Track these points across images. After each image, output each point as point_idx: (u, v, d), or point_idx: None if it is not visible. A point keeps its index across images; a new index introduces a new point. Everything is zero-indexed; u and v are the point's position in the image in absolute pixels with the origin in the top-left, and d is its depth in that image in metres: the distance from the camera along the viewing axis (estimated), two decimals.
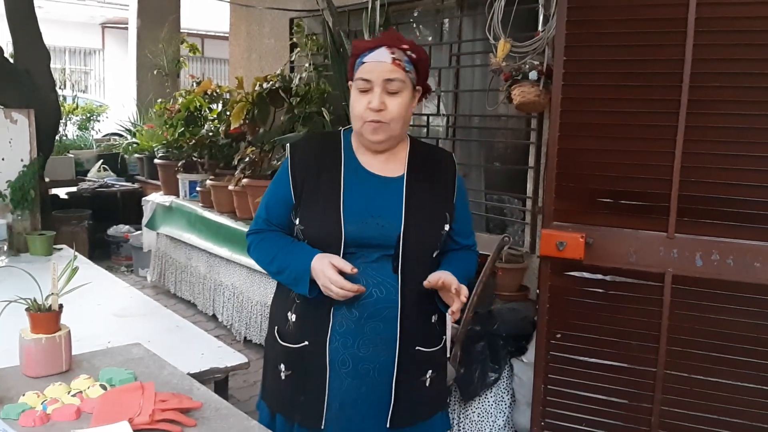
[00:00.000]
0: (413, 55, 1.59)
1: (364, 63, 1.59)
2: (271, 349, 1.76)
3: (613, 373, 2.38)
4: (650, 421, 2.33)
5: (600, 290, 2.37)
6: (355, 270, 1.54)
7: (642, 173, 2.27)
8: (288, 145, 1.79)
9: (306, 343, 1.65)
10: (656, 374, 2.31)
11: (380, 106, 1.57)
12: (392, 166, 1.67)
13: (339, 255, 1.58)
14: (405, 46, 1.58)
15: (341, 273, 1.54)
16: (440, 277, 1.56)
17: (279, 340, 1.71)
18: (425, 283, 1.58)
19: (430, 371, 1.70)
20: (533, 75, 2.91)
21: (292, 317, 1.68)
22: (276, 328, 1.74)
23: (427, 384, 1.70)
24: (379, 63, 1.57)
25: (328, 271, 1.53)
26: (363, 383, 1.62)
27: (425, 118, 4.06)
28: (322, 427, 1.63)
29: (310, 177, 1.64)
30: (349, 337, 1.61)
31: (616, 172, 2.31)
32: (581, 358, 2.41)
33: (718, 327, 2.21)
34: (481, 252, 2.85)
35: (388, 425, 1.63)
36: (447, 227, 1.66)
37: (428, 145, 1.85)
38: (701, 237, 2.21)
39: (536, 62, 2.94)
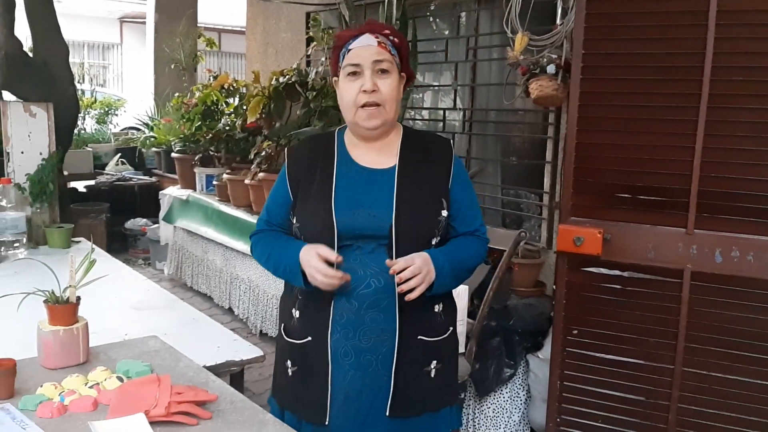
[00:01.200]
0: (395, 40, 1.63)
1: (350, 50, 1.62)
2: (279, 346, 1.79)
3: (630, 370, 2.36)
4: (667, 419, 2.31)
5: (617, 286, 2.34)
6: (340, 258, 1.55)
7: (661, 168, 2.24)
8: (286, 149, 1.80)
9: (309, 338, 1.67)
10: (674, 371, 2.28)
11: (373, 86, 1.59)
12: (384, 157, 1.68)
13: (334, 247, 1.59)
14: (387, 31, 1.63)
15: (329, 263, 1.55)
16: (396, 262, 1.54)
17: (285, 337, 1.74)
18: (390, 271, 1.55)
19: (434, 362, 1.68)
20: (551, 69, 2.89)
21: (296, 314, 1.70)
22: (283, 325, 1.76)
23: (432, 375, 1.68)
24: (366, 47, 1.61)
25: (313, 261, 1.56)
26: (366, 374, 1.62)
27: (441, 112, 4.04)
28: (327, 422, 1.64)
29: (306, 177, 1.69)
30: (350, 328, 1.61)
31: (635, 167, 2.28)
32: (598, 354, 2.40)
33: (738, 324, 2.18)
34: (497, 247, 2.85)
35: (387, 413, 1.62)
36: (444, 213, 1.65)
37: (422, 132, 1.85)
38: (721, 233, 2.18)
39: (554, 56, 2.92)
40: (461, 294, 2.65)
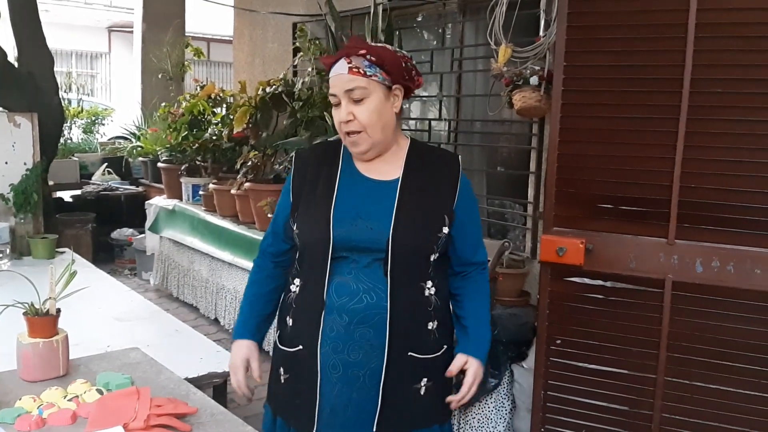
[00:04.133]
0: (373, 58, 1.59)
1: (330, 78, 1.63)
2: (274, 353, 1.79)
3: (613, 380, 2.37)
4: (650, 428, 2.31)
5: (600, 296, 2.36)
6: (259, 381, 1.74)
7: (642, 179, 2.26)
8: (293, 154, 1.81)
9: (300, 347, 1.67)
10: (656, 381, 2.30)
11: (347, 117, 1.59)
12: (388, 168, 1.67)
13: (328, 259, 1.59)
14: (362, 52, 1.59)
15: None
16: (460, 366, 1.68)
17: (279, 344, 1.74)
18: (448, 373, 1.68)
19: (425, 379, 1.67)
20: (534, 80, 2.91)
21: (290, 321, 1.70)
22: (278, 332, 1.77)
23: (422, 392, 1.67)
24: (338, 76, 1.60)
25: (238, 372, 1.75)
26: (353, 389, 1.62)
27: (427, 122, 4.06)
28: (315, 430, 1.63)
29: (309, 184, 1.68)
30: (339, 341, 1.60)
31: (617, 177, 2.30)
32: (581, 364, 2.40)
33: (719, 334, 2.20)
34: None
35: (374, 429, 1.62)
36: (445, 230, 1.63)
37: (431, 147, 1.83)
38: (702, 243, 2.20)
39: (537, 67, 2.94)
40: None
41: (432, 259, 1.63)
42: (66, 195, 6.45)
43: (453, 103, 3.97)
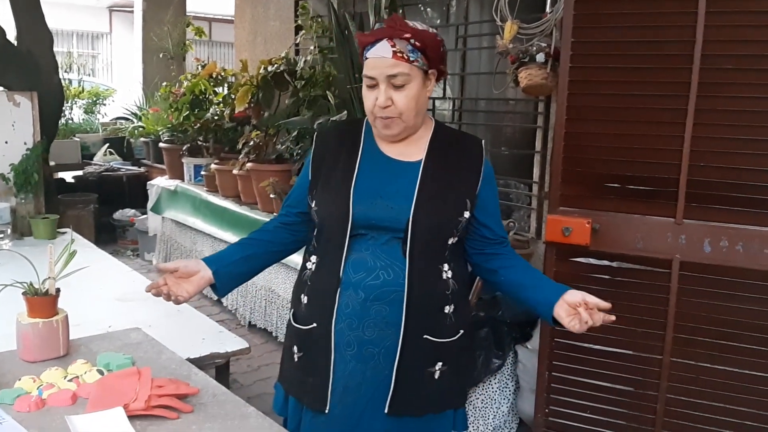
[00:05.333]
0: (417, 43, 1.53)
1: (367, 59, 1.57)
2: (288, 332, 1.76)
3: (618, 361, 2.35)
4: (656, 409, 2.30)
5: (606, 276, 2.33)
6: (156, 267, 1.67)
7: (650, 158, 2.22)
8: (315, 132, 1.77)
9: (314, 324, 1.64)
10: (662, 362, 2.28)
11: (386, 102, 1.55)
12: (412, 150, 1.64)
13: (346, 235, 1.58)
14: (407, 35, 1.52)
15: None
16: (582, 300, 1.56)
17: (293, 322, 1.71)
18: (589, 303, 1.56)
19: (440, 363, 1.64)
20: (540, 57, 2.86)
21: (304, 299, 1.68)
22: (292, 310, 1.74)
23: (436, 376, 1.64)
24: (380, 59, 1.54)
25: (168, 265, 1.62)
26: (367, 367, 1.60)
27: (431, 102, 4.01)
28: (327, 410, 1.62)
29: (329, 161, 1.66)
30: (354, 318, 1.58)
31: (624, 156, 2.26)
32: (586, 345, 2.39)
33: (726, 314, 2.18)
34: None
35: (386, 410, 1.60)
36: (466, 215, 1.61)
37: (455, 130, 1.80)
38: (710, 223, 2.17)
39: (543, 44, 2.89)
40: None
41: (450, 242, 1.61)
42: (68, 176, 6.42)
43: (457, 81, 3.92)
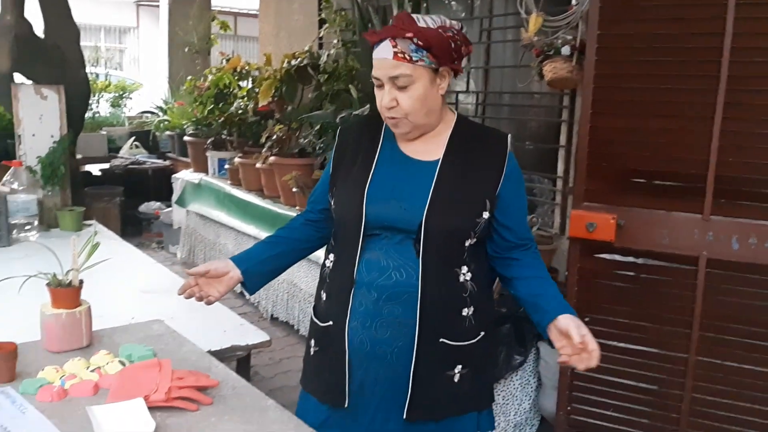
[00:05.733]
0: (420, 42, 1.48)
1: (374, 58, 1.54)
2: (309, 327, 1.77)
3: (642, 359, 2.32)
4: (680, 408, 2.27)
5: (631, 273, 2.30)
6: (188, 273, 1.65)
7: (677, 153, 2.19)
8: (339, 128, 1.76)
9: (331, 322, 1.64)
10: (688, 360, 2.24)
11: (390, 103, 1.52)
12: (431, 148, 1.60)
13: (360, 235, 1.56)
14: (409, 35, 1.48)
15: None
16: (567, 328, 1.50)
17: (313, 317, 1.72)
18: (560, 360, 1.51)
19: (459, 366, 1.60)
20: (566, 50, 2.82)
21: (323, 296, 1.68)
22: (314, 305, 1.75)
23: (456, 379, 1.61)
24: (383, 60, 1.51)
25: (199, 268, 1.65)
26: (381, 366, 1.59)
27: (455, 95, 3.99)
28: (346, 405, 1.61)
29: (349, 159, 1.65)
30: (367, 317, 1.57)
31: (651, 151, 2.23)
32: (610, 342, 2.35)
33: (754, 313, 2.13)
34: None
35: (405, 416, 1.58)
36: (485, 215, 1.55)
37: (478, 125, 1.75)
38: (738, 219, 2.13)
39: (569, 37, 2.85)
40: None
41: (468, 244, 1.56)
42: (94, 169, 6.50)
43: (481, 75, 3.89)
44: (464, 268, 1.57)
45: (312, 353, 1.71)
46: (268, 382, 3.27)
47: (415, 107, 1.52)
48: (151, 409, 1.33)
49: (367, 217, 1.55)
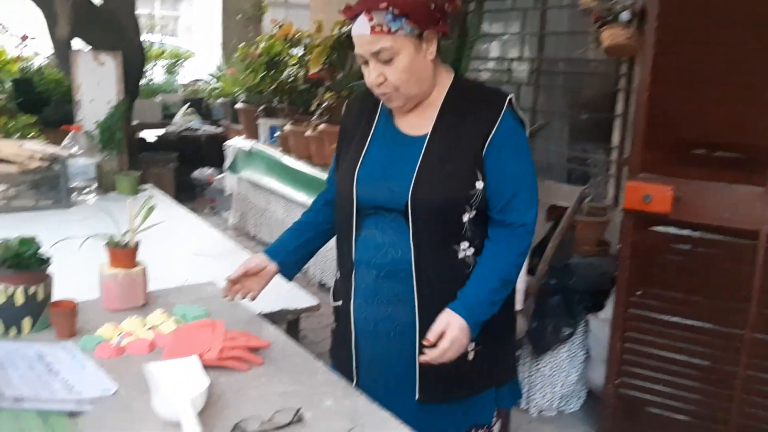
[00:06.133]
0: (396, 11, 1.39)
1: (353, 35, 1.47)
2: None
3: (696, 334, 2.27)
4: (733, 385, 2.22)
5: (687, 247, 2.24)
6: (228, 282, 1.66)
7: (740, 123, 2.10)
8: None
9: (340, 301, 1.65)
10: (743, 337, 2.18)
11: (378, 79, 1.45)
12: (421, 122, 1.53)
13: (353, 216, 1.54)
14: (383, 5, 1.38)
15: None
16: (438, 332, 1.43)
17: (332, 297, 1.73)
18: (424, 340, 1.43)
19: (472, 344, 1.52)
20: (625, 15, 2.73)
21: (337, 275, 1.69)
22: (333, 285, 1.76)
23: (470, 357, 1.54)
24: (361, 36, 1.44)
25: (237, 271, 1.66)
26: (387, 344, 1.56)
27: (507, 63, 3.91)
28: (355, 383, 1.60)
29: (350, 135, 1.62)
30: (369, 295, 1.56)
31: (712, 121, 2.15)
32: (662, 316, 2.31)
33: None
34: (560, 204, 2.76)
35: (417, 396, 1.55)
36: (479, 185, 1.47)
37: (476, 87, 1.59)
38: None
39: (629, 2, 2.75)
40: None
41: (467, 218, 1.48)
42: (149, 135, 6.63)
43: (536, 41, 3.79)
44: (464, 244, 1.49)
45: (332, 330, 1.73)
46: (316, 345, 3.32)
47: (404, 79, 1.44)
48: (204, 368, 1.37)
49: (358, 198, 1.53)
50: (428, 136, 1.50)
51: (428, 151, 1.49)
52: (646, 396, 2.41)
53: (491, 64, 4.29)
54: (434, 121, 1.50)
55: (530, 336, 2.76)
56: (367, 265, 1.55)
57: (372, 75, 1.45)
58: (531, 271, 2.65)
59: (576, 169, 3.66)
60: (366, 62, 1.46)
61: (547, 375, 2.85)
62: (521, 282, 2.60)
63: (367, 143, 1.56)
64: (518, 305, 2.60)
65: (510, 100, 1.50)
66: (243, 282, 1.67)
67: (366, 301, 1.57)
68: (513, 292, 1.62)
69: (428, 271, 1.49)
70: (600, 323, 2.74)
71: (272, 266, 1.68)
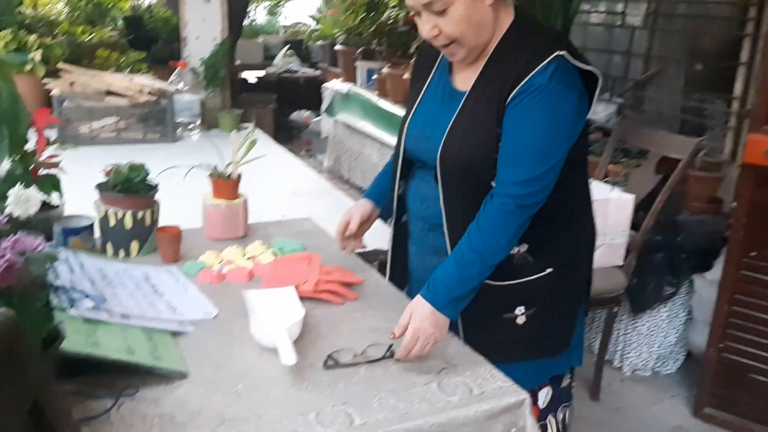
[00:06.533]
0: None
1: None
2: None
3: None
4: None
5: None
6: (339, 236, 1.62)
7: None
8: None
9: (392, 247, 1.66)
10: None
11: (431, 32, 1.33)
12: (471, 75, 1.41)
13: (403, 168, 1.53)
14: None
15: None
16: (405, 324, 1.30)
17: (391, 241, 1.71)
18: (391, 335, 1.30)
19: (522, 307, 1.44)
20: None
21: (391, 222, 1.67)
22: None
23: (520, 322, 1.45)
24: None
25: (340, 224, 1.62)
26: None
27: (621, 5, 3.67)
28: None
29: (414, 85, 1.58)
30: (420, 245, 1.56)
31: None
32: None
33: None
34: (672, 155, 2.59)
35: None
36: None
37: (529, 33, 1.39)
38: None
39: None
40: (625, 204, 2.47)
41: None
42: (250, 76, 6.76)
43: None
44: None
45: (388, 276, 1.72)
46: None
47: (461, 30, 1.31)
48: (300, 299, 1.39)
49: (405, 150, 1.51)
50: (467, 91, 1.40)
51: (463, 108, 1.39)
52: (751, 362, 2.29)
53: (602, 6, 4.04)
54: (479, 73, 1.39)
55: (629, 293, 2.64)
56: (415, 216, 1.55)
57: (425, 28, 1.33)
58: (635, 226, 2.53)
59: (691, 120, 3.42)
60: (417, 14, 1.35)
61: (644, 334, 2.74)
62: (623, 237, 2.49)
63: (420, 96, 1.51)
64: (619, 260, 2.50)
65: (558, 54, 1.29)
66: (353, 231, 1.62)
67: (418, 251, 1.58)
68: (581, 261, 1.50)
69: (459, 231, 1.38)
70: (706, 284, 2.60)
71: (375, 212, 1.67)
